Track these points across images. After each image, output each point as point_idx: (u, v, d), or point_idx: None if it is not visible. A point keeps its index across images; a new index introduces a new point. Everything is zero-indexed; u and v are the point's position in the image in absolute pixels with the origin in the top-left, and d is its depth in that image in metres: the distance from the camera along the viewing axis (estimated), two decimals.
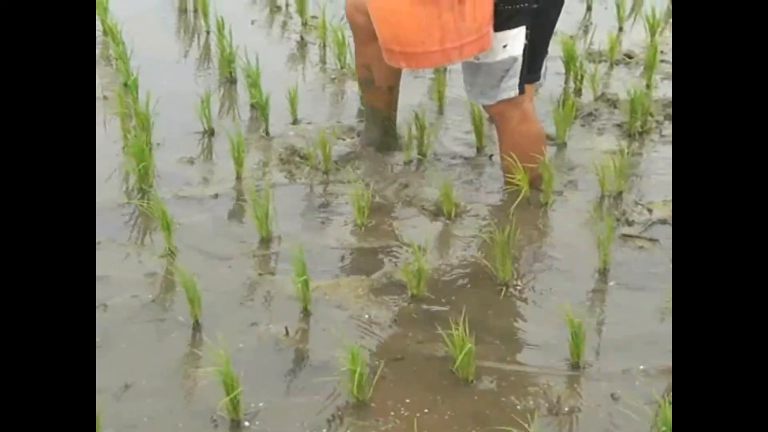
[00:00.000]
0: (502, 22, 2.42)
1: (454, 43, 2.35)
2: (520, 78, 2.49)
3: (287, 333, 2.10)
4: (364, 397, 1.90)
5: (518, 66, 2.47)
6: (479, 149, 2.86)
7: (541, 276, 2.33)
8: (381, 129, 2.83)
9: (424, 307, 2.20)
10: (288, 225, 2.49)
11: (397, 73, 2.79)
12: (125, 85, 3.06)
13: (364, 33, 2.65)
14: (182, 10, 3.81)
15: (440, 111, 3.08)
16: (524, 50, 2.45)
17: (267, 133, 2.93)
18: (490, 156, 2.81)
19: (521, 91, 2.50)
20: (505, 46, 2.44)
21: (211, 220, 2.52)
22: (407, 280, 2.22)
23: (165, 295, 2.21)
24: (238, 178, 2.68)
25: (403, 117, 2.90)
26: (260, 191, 2.50)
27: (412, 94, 3.13)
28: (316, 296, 2.20)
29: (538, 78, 2.59)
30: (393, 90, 2.81)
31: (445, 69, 3.24)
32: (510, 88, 2.49)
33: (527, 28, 2.44)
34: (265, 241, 2.41)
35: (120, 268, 2.30)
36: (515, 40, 2.45)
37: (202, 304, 2.11)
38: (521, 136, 2.57)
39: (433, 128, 2.89)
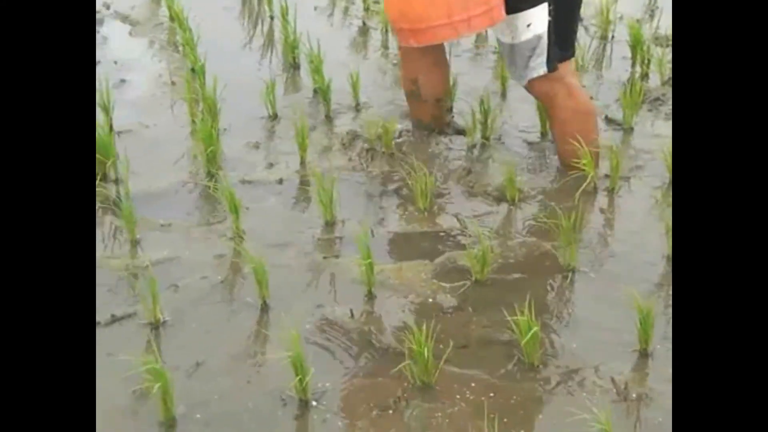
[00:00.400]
0: (524, 0, 2.40)
1: (461, 15, 2.35)
2: (549, 55, 2.46)
3: (352, 315, 2.12)
4: (429, 380, 1.91)
5: (544, 44, 2.45)
6: (543, 134, 2.84)
7: (607, 262, 2.31)
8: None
9: (489, 291, 2.20)
10: (351, 209, 2.50)
11: (443, 86, 2.78)
12: (192, 70, 3.11)
13: (409, 47, 2.64)
14: None
15: (503, 95, 3.06)
16: (549, 27, 2.43)
17: (329, 118, 2.95)
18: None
19: (550, 68, 2.48)
20: (529, 25, 2.43)
21: (277, 204, 2.55)
22: (471, 265, 2.22)
23: (233, 277, 2.25)
24: (302, 162, 2.71)
25: (466, 101, 2.89)
26: (324, 176, 2.53)
27: (475, 77, 3.12)
28: (380, 280, 2.22)
29: (572, 54, 2.55)
30: (440, 103, 2.79)
31: None
32: (538, 66, 2.47)
33: (549, 4, 2.41)
34: (330, 224, 2.43)
35: (190, 249, 2.34)
36: (538, 19, 2.43)
37: (269, 286, 2.14)
38: (570, 113, 2.55)
39: (497, 112, 2.88)
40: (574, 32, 2.55)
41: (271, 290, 2.15)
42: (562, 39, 2.47)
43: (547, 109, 2.62)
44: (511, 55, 2.52)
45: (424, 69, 2.67)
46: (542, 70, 2.48)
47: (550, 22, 2.41)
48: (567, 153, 2.57)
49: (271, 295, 2.15)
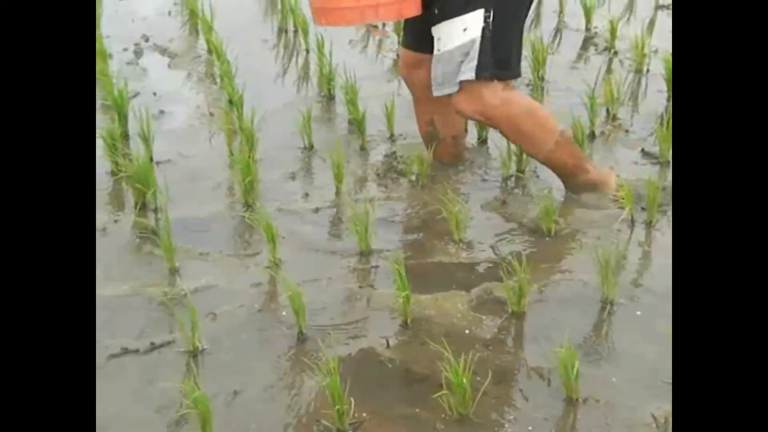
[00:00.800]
0: (461, 6, 2.42)
1: (369, 1, 2.37)
2: (480, 61, 2.43)
3: (388, 345, 2.12)
4: (467, 411, 1.90)
5: (476, 48, 2.43)
6: None
7: (645, 295, 2.29)
8: None
9: (526, 323, 2.19)
10: (387, 239, 2.51)
11: (459, 123, 2.79)
12: (230, 102, 3.15)
13: (420, 90, 2.69)
14: (282, 30, 3.90)
15: None
16: (483, 32, 2.42)
17: (364, 149, 2.97)
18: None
19: (479, 75, 2.44)
20: (465, 30, 2.43)
21: (313, 234, 2.57)
22: (508, 297, 2.22)
23: (270, 305, 2.26)
24: (338, 192, 2.73)
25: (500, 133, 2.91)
26: (359, 205, 2.54)
27: None
28: (417, 310, 2.22)
29: (513, 75, 2.52)
30: (457, 140, 2.81)
31: (542, 86, 3.24)
32: (469, 70, 2.44)
33: (485, 11, 2.42)
34: (365, 254, 2.44)
35: (227, 278, 2.36)
36: (473, 23, 2.43)
37: (306, 314, 2.15)
38: (515, 119, 2.53)
39: None
40: (518, 52, 2.51)
41: (308, 319, 2.15)
42: (500, 53, 2.45)
43: (497, 128, 2.60)
44: (435, 66, 2.49)
45: (439, 109, 2.69)
46: (471, 74, 2.43)
47: (484, 27, 2.41)
48: (542, 156, 2.59)
49: (307, 324, 2.15)
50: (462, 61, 2.45)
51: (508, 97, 2.53)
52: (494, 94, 2.50)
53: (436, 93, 2.55)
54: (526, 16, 2.56)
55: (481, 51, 2.43)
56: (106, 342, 2.12)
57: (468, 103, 2.51)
